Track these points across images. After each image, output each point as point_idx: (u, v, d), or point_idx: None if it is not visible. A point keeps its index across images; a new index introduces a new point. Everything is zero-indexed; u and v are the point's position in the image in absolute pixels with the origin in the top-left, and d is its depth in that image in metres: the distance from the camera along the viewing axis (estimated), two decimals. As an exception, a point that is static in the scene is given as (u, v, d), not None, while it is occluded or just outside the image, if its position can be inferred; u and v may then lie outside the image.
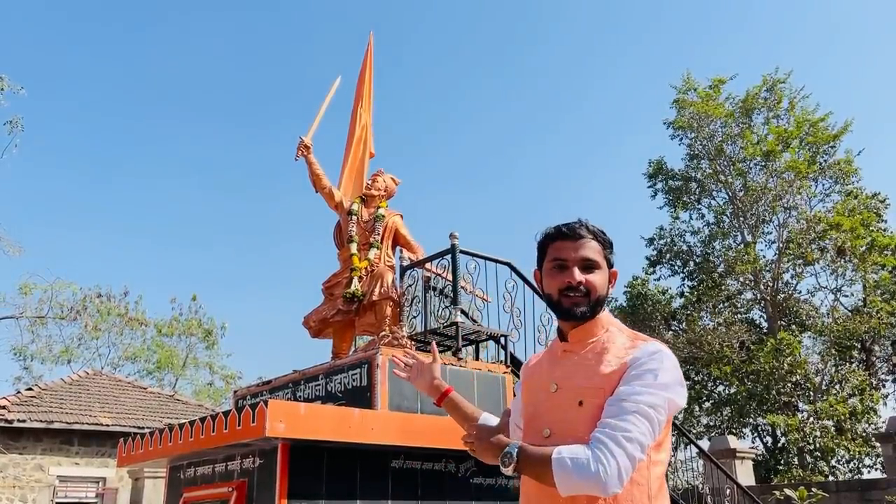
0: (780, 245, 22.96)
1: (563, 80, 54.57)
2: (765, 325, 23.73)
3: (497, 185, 56.13)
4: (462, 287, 6.04)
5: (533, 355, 2.24)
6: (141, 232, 51.36)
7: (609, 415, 1.79)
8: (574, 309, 1.95)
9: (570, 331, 1.99)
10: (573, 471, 1.72)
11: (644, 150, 40.75)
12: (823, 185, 23.70)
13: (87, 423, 16.86)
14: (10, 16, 42.50)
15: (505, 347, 6.25)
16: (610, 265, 2.03)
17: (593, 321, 2.00)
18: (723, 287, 24.25)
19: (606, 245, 2.03)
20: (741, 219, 23.76)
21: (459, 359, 5.77)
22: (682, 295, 25.23)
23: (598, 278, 1.97)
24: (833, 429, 19.93)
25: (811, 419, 20.14)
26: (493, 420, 2.29)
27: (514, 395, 2.23)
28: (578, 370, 1.93)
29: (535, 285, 2.21)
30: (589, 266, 1.97)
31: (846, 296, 23.40)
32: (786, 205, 23.09)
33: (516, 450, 1.82)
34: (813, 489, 10.62)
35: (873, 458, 20.24)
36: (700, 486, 10.21)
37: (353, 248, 6.42)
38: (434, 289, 6.29)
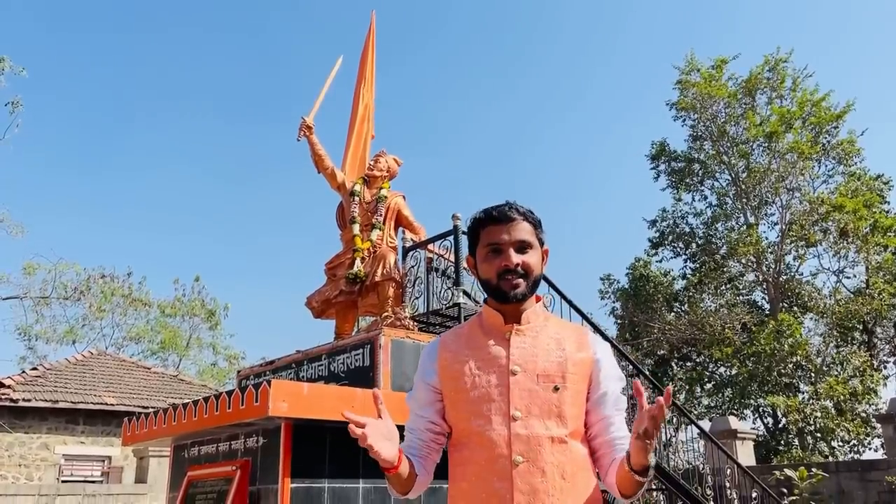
0: (783, 227, 22.92)
1: (567, 61, 54.30)
2: (767, 306, 23.74)
3: (500, 166, 56.05)
4: (464, 268, 6.05)
5: (447, 333, 2.18)
6: (144, 216, 51.40)
7: (622, 423, 2.00)
8: (513, 291, 1.97)
9: (521, 313, 2.02)
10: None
11: (647, 131, 40.59)
12: (826, 166, 23.63)
13: (91, 403, 16.97)
14: (15, 6, 42.26)
15: (507, 328, 6.24)
16: (541, 243, 2.07)
17: (539, 304, 2.07)
18: (725, 269, 24.23)
19: (537, 225, 2.06)
20: (744, 200, 23.70)
21: (461, 340, 5.77)
22: (684, 277, 25.23)
23: (533, 259, 2.01)
24: (833, 409, 19.98)
25: (811, 400, 20.20)
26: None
27: (421, 373, 2.09)
28: (540, 354, 1.97)
29: (470, 271, 2.18)
30: (523, 247, 2.00)
31: (848, 277, 23.43)
32: (788, 186, 23.01)
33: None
34: (813, 469, 10.68)
35: (872, 439, 20.33)
36: (701, 466, 10.26)
37: (356, 229, 6.41)
38: (436, 270, 6.30)
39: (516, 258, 1.98)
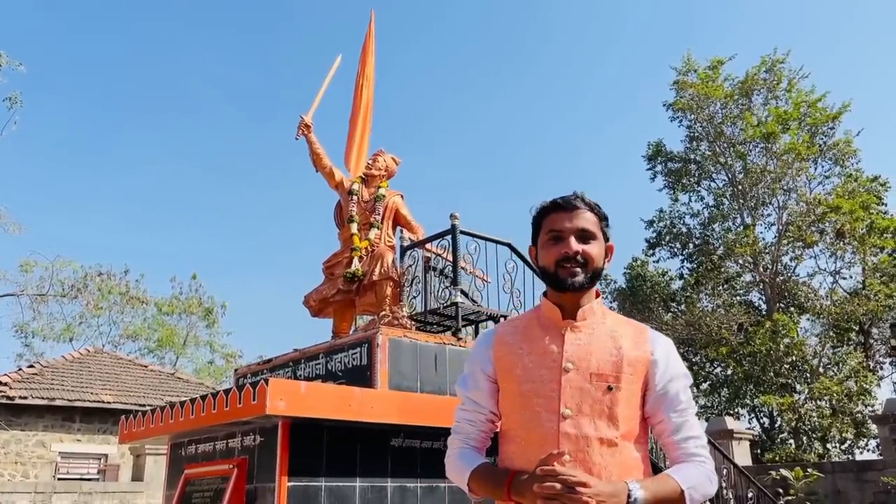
0: (780, 227, 22.96)
1: (564, 60, 54.32)
2: (763, 307, 23.79)
3: (498, 166, 56.07)
4: (462, 267, 6.05)
5: (503, 324, 2.11)
6: (141, 213, 51.34)
7: (687, 424, 1.94)
8: (571, 279, 1.90)
9: (579, 308, 1.96)
10: (701, 496, 1.84)
11: (644, 131, 40.62)
12: (823, 167, 23.67)
13: (88, 401, 16.96)
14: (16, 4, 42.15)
15: (504, 328, 6.24)
16: (606, 239, 2.00)
17: (598, 300, 2.00)
18: (722, 269, 24.27)
19: (602, 218, 2.00)
20: (741, 201, 23.73)
21: (459, 339, 5.80)
22: (681, 277, 25.27)
23: (595, 249, 1.94)
24: (828, 410, 20.03)
25: (806, 400, 20.24)
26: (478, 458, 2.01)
27: (475, 361, 2.05)
28: (594, 352, 1.91)
29: (531, 262, 2.11)
30: (585, 237, 1.93)
31: (845, 278, 23.46)
32: (785, 187, 23.05)
33: (640, 492, 1.74)
34: (809, 469, 10.72)
35: (868, 440, 20.37)
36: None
37: (354, 227, 6.42)
38: (434, 269, 6.31)
39: (576, 246, 1.91)
